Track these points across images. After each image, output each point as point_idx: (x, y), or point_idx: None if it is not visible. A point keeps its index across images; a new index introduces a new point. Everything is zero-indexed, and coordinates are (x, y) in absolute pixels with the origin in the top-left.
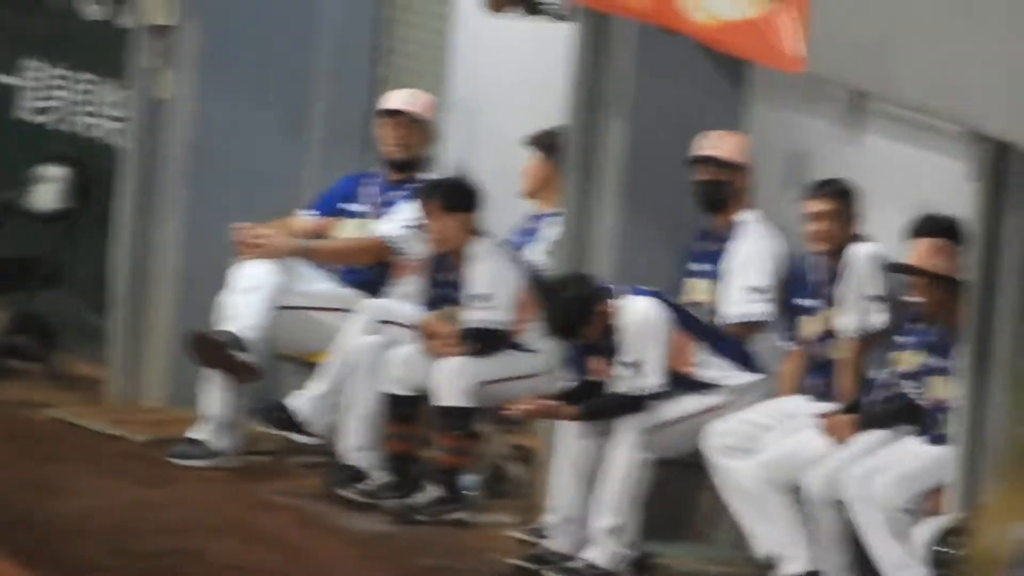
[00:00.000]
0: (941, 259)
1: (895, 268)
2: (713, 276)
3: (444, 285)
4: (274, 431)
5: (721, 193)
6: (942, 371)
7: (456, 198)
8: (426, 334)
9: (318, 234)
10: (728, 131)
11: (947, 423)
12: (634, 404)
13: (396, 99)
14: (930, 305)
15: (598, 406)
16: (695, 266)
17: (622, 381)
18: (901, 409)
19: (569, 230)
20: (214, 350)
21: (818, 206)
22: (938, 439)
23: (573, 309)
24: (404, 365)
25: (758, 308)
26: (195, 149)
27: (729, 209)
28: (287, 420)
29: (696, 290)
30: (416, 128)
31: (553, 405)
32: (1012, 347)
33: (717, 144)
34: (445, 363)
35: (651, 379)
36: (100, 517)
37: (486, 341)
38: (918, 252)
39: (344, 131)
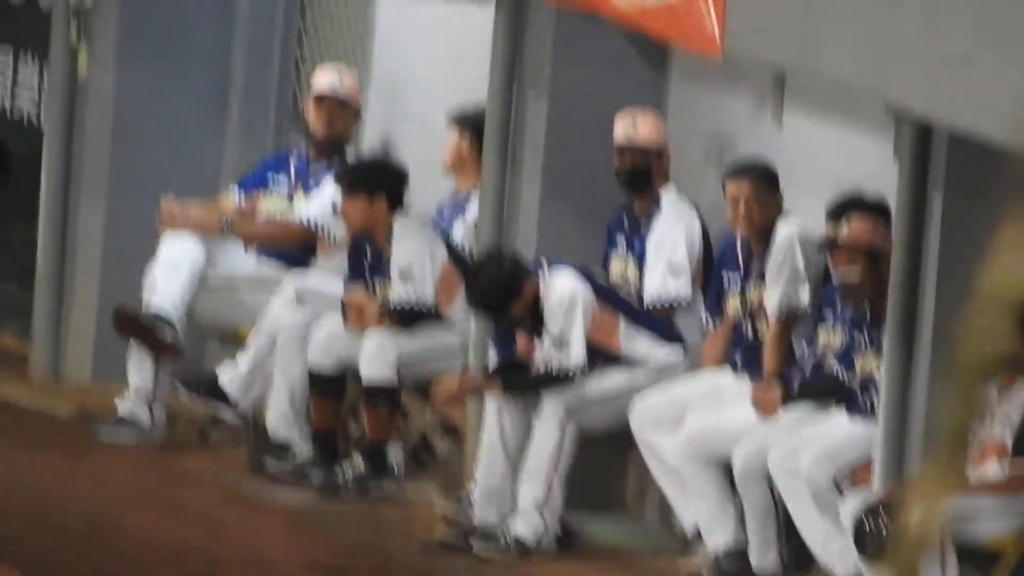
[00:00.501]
0: (875, 236)
1: (830, 244)
2: (634, 254)
3: (368, 262)
4: (201, 401)
5: (643, 178)
6: (867, 347)
7: (369, 180)
8: (350, 310)
9: (245, 213)
10: (643, 111)
11: (873, 399)
12: (558, 379)
13: (324, 83)
14: (860, 282)
15: (522, 381)
16: (617, 244)
17: (546, 357)
18: (827, 385)
19: (489, 208)
20: (137, 326)
21: (740, 187)
22: (864, 414)
23: (499, 287)
24: (328, 341)
25: (678, 286)
26: (115, 128)
27: (650, 189)
28: (215, 390)
29: (619, 268)
30: (343, 109)
31: (478, 381)
32: (935, 325)
33: (636, 129)
34: (369, 339)
35: (574, 355)
36: (21, 492)
37: (409, 317)
38: (852, 228)
39: (262, 112)
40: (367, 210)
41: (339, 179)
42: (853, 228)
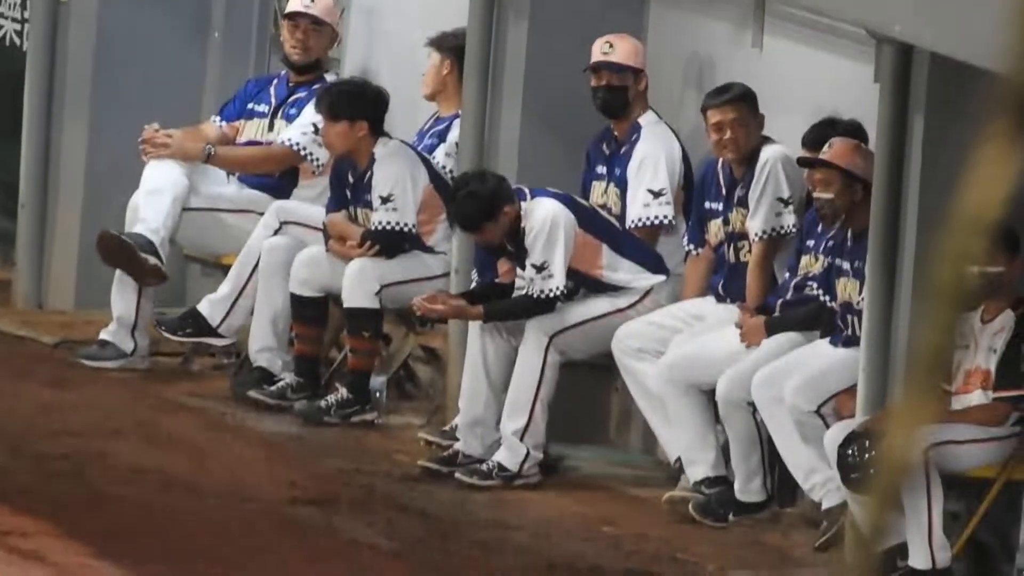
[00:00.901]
0: (856, 159)
1: (809, 163)
2: (615, 179)
3: (349, 186)
4: (184, 341)
5: (619, 98)
6: (850, 273)
7: (349, 106)
8: (331, 236)
9: (227, 139)
10: (622, 34)
11: (855, 325)
12: (539, 305)
13: (297, 1)
14: (841, 205)
15: (502, 307)
16: (597, 169)
17: (527, 283)
18: (810, 312)
19: (469, 133)
20: (121, 251)
21: (725, 114)
22: (847, 341)
23: (479, 200)
24: (310, 266)
25: (658, 211)
26: (97, 52)
27: (628, 113)
28: (198, 327)
29: (599, 193)
30: (317, 30)
31: (459, 305)
32: (918, 250)
33: (612, 49)
34: (351, 265)
35: (555, 281)
36: (4, 419)
37: (391, 242)
38: (834, 150)
39: (243, 32)
40: (348, 135)
41: (319, 104)
42: (834, 149)
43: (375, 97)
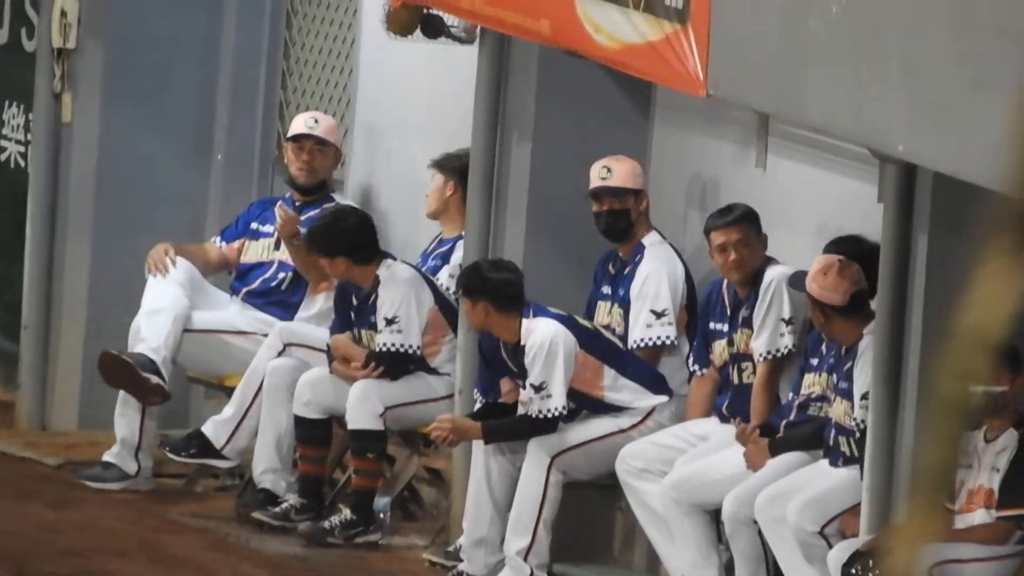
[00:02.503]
0: (831, 277)
1: (795, 284)
2: (619, 300)
3: (353, 308)
4: (190, 463)
5: (623, 221)
6: (841, 393)
7: (321, 243)
8: (336, 357)
9: (227, 261)
10: (619, 156)
11: (851, 445)
12: (538, 426)
13: (301, 123)
14: (823, 325)
15: (502, 427)
16: (602, 290)
17: (527, 403)
18: (812, 431)
19: (473, 253)
20: (123, 371)
21: (730, 235)
22: (846, 461)
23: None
24: (314, 388)
25: (661, 331)
26: (99, 172)
27: (632, 234)
28: (202, 449)
29: (603, 313)
30: (322, 151)
31: (460, 425)
32: (921, 368)
33: (611, 173)
34: (355, 386)
35: (554, 401)
36: (8, 540)
37: (395, 364)
38: (809, 271)
39: (246, 154)
40: (332, 269)
41: (306, 240)
42: (812, 274)
43: (351, 229)
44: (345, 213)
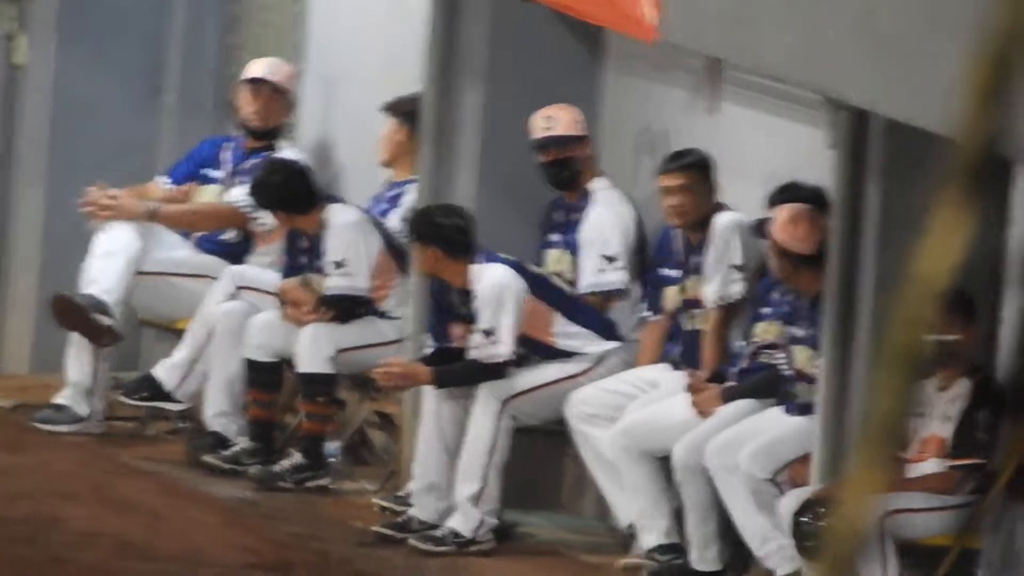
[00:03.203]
0: (801, 227)
1: (758, 232)
2: (568, 246)
3: (303, 252)
4: (142, 405)
5: (567, 170)
6: (804, 341)
7: (259, 197)
8: (285, 300)
9: (174, 200)
10: (559, 104)
11: (811, 393)
12: (487, 371)
13: (258, 68)
14: (789, 275)
15: (452, 372)
16: (550, 236)
17: (476, 348)
18: (765, 379)
19: (425, 198)
20: (75, 313)
21: (674, 180)
22: (802, 409)
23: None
24: (264, 331)
25: (612, 277)
26: (53, 115)
27: (579, 181)
28: (154, 392)
29: (553, 260)
30: (276, 97)
31: (410, 369)
32: (873, 317)
33: (552, 121)
34: (306, 330)
35: (503, 347)
36: None
37: (345, 308)
38: (777, 220)
39: (199, 98)
40: (276, 218)
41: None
42: (777, 219)
43: (280, 183)
44: (274, 168)
